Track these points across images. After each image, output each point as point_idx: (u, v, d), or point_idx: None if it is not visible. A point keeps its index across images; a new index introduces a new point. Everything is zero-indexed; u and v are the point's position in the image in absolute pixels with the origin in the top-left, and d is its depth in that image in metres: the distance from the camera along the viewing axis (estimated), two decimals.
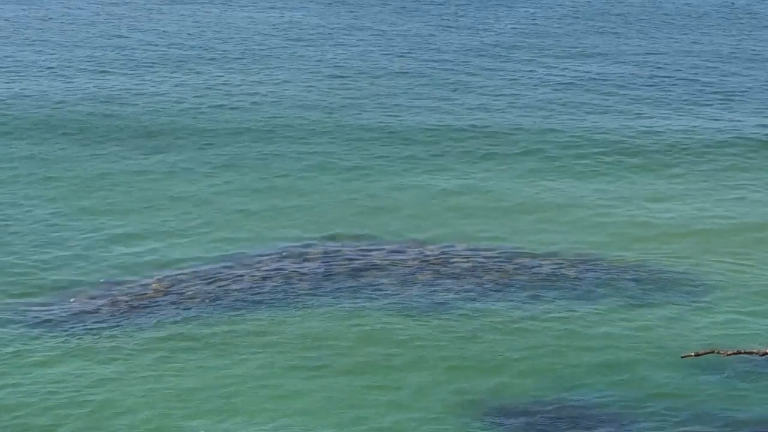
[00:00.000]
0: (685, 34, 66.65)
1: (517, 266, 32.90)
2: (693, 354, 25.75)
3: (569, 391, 26.07)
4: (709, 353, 25.63)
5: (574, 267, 32.63)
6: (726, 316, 29.75)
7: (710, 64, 58.38)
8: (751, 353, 25.83)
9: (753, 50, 61.76)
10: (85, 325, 29.08)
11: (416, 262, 32.99)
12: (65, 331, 28.85)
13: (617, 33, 66.55)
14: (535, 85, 53.98)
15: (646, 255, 33.65)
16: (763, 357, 26.05)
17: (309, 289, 31.22)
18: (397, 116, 47.97)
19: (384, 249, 33.89)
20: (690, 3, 75.79)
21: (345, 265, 32.85)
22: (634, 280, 32.09)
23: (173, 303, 30.40)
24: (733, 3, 74.24)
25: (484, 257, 33.45)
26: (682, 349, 27.04)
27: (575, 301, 30.60)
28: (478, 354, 27.78)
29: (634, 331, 28.86)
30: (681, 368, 26.51)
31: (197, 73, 55.10)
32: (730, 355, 25.73)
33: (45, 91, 50.70)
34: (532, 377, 26.66)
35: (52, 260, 33.14)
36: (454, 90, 52.68)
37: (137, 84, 52.35)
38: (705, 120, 48.38)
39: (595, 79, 55.25)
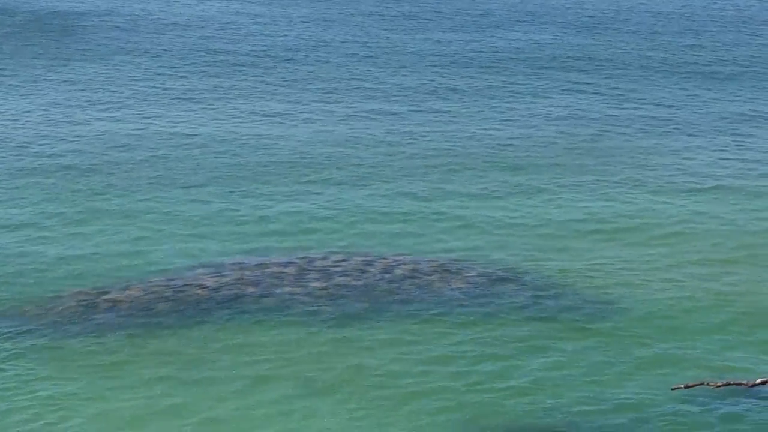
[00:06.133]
0: None
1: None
2: (683, 386, 25.15)
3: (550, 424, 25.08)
4: (698, 385, 25.08)
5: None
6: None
7: None
8: (740, 384, 25.41)
9: None
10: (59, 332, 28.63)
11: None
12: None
13: None
14: None
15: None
16: (753, 388, 25.46)
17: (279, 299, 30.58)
18: None
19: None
20: None
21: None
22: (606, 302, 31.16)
23: (139, 311, 29.79)
24: None
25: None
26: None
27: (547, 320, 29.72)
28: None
29: (615, 357, 27.87)
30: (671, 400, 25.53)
31: None
32: (720, 386, 25.24)
33: None
34: (515, 400, 25.69)
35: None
36: None
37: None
38: None
39: None
